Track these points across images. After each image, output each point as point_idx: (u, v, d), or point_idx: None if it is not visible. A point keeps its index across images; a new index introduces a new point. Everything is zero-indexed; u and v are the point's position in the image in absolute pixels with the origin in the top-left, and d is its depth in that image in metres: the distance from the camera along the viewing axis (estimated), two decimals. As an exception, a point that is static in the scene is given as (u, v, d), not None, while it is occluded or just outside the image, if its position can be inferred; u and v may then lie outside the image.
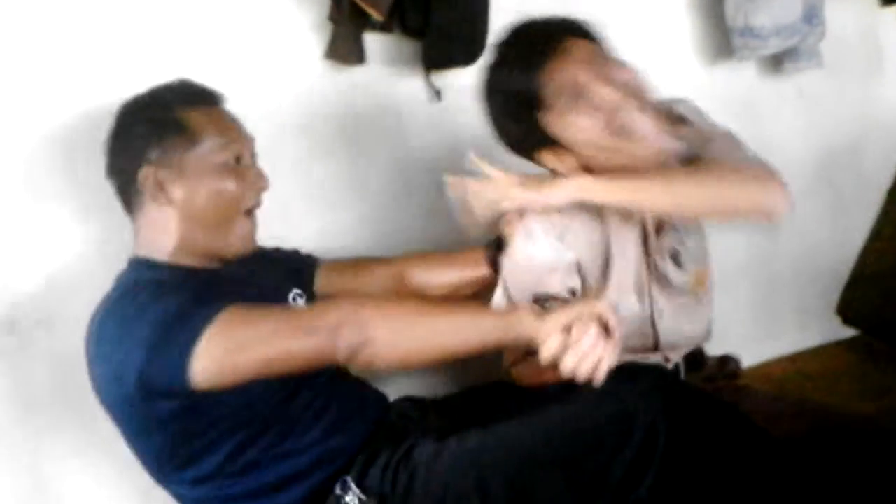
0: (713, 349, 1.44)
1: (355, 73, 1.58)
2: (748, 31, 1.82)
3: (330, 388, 1.29)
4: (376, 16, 1.48)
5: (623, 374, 1.08)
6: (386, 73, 1.63)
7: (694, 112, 1.30)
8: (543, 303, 1.24)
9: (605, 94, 1.18)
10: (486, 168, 1.30)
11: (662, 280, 1.31)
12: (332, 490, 1.23)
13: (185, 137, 1.24)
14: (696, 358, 1.40)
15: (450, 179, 1.33)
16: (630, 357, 1.23)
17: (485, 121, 1.30)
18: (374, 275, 1.46)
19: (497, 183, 1.28)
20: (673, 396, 1.10)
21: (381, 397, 1.41)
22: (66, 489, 1.49)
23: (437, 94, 1.64)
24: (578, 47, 1.22)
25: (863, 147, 2.13)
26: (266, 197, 1.31)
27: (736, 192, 1.18)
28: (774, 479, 1.09)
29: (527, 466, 1.11)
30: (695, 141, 1.24)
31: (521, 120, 1.24)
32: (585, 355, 1.06)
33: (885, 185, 1.98)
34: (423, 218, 1.69)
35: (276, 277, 1.39)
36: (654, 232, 1.30)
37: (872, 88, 2.14)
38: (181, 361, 1.11)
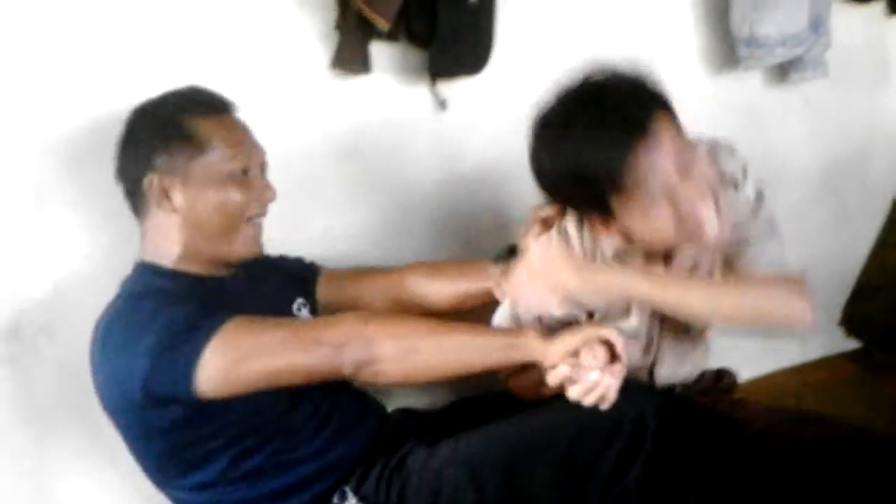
0: (714, 362, 1.44)
1: (361, 82, 1.59)
2: (754, 41, 1.81)
3: (332, 399, 1.30)
4: (382, 25, 1.48)
5: None
6: (392, 81, 1.62)
7: (741, 170, 1.26)
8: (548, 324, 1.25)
9: (690, 196, 1.13)
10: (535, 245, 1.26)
11: (679, 332, 1.31)
12: (329, 500, 1.24)
13: (191, 145, 1.24)
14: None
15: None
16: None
17: (530, 163, 1.20)
18: (376, 284, 1.46)
19: (551, 266, 1.21)
20: (662, 396, 1.16)
21: (381, 408, 1.42)
22: (69, 495, 1.49)
23: (443, 103, 1.64)
24: (665, 128, 1.12)
25: (868, 157, 2.13)
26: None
27: (769, 309, 1.20)
28: (768, 481, 1.12)
29: (519, 458, 1.13)
30: (739, 244, 1.24)
31: (586, 191, 1.16)
32: (594, 385, 1.09)
33: (890, 195, 1.99)
34: (425, 226, 1.69)
35: (281, 286, 1.40)
36: None
37: (878, 98, 2.14)
38: (186, 370, 1.12)
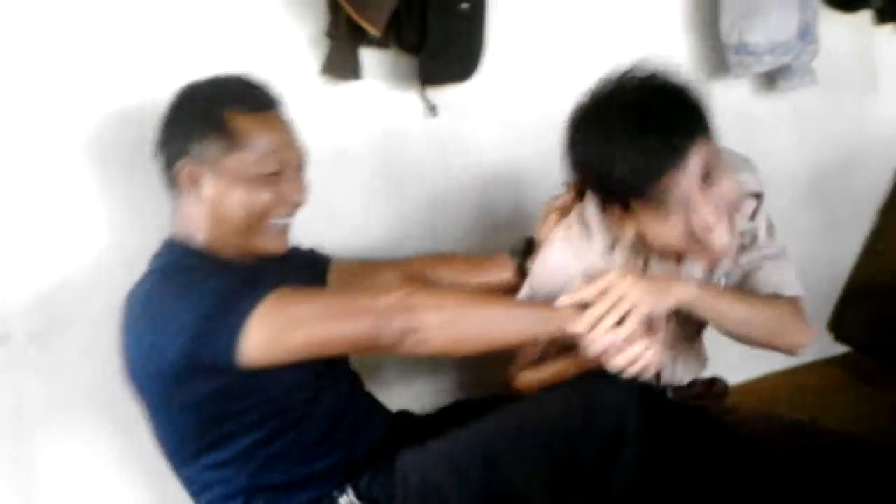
0: (705, 367, 1.45)
1: (352, 88, 1.59)
2: (743, 48, 1.83)
3: (348, 398, 1.32)
4: (373, 31, 1.49)
5: (598, 375, 1.17)
6: (382, 88, 1.63)
7: (756, 183, 1.29)
8: None
9: (706, 214, 1.15)
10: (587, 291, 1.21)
11: (688, 337, 1.33)
12: (330, 495, 1.24)
13: (227, 140, 1.23)
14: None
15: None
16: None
17: (563, 143, 1.20)
18: (386, 275, 1.46)
19: (615, 289, 1.17)
20: (646, 388, 1.17)
21: (387, 412, 1.42)
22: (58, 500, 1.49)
23: (433, 109, 1.65)
24: (700, 155, 1.13)
25: (856, 163, 2.14)
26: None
27: (780, 333, 1.26)
28: (755, 486, 1.13)
29: (500, 450, 1.13)
30: (752, 262, 1.29)
31: (610, 188, 1.19)
32: (636, 357, 1.13)
33: (877, 202, 1.99)
34: (417, 229, 1.69)
35: (304, 276, 1.40)
36: None
37: (866, 105, 2.16)
38: (231, 339, 1.12)
